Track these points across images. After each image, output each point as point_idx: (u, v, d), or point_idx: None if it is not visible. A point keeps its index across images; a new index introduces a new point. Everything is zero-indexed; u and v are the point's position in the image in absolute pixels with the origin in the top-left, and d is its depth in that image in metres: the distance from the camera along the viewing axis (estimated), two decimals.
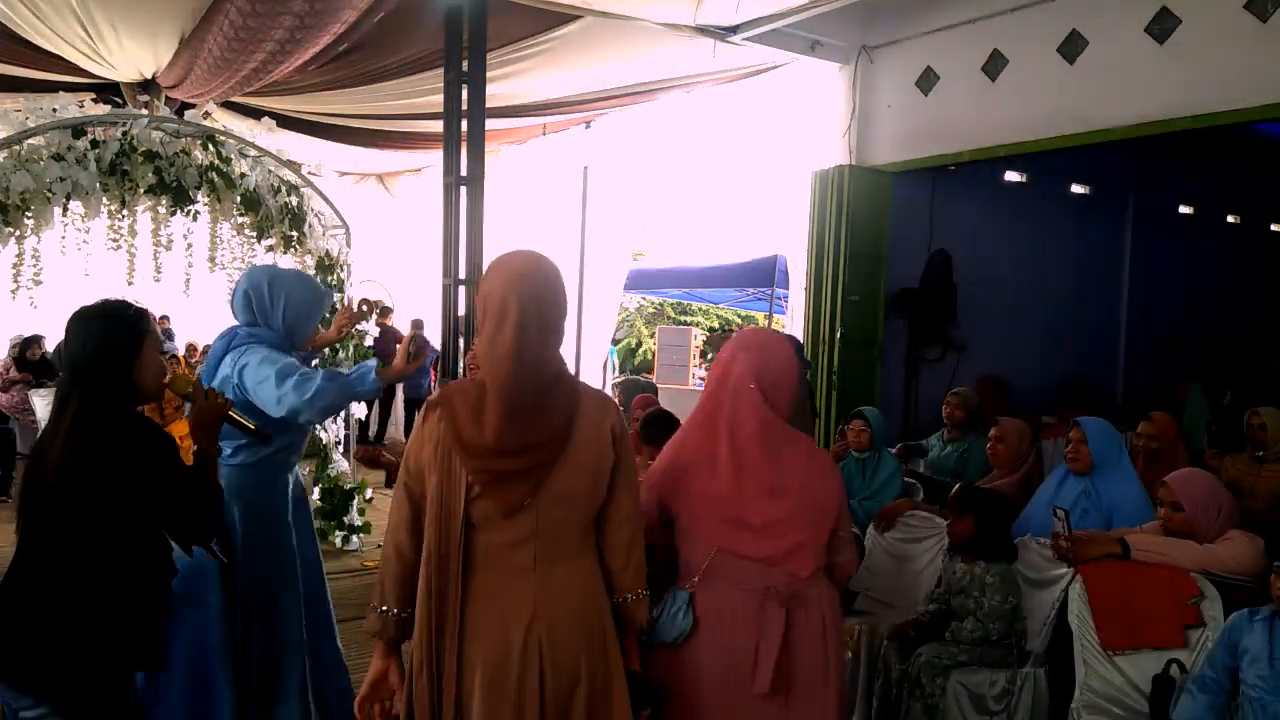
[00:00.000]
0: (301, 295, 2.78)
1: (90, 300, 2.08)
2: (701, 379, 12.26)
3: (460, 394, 1.83)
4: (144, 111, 5.13)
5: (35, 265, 4.61)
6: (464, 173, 5.25)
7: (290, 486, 2.92)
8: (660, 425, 3.51)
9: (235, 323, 2.84)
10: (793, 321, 7.25)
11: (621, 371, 14.53)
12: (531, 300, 1.77)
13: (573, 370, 3.38)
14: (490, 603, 1.79)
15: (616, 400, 6.03)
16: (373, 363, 2.70)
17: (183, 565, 2.16)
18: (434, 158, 9.05)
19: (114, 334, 2.02)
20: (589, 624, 1.84)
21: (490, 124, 5.87)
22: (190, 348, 10.53)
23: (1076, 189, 7.50)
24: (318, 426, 5.41)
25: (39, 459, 2.00)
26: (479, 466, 1.76)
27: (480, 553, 1.79)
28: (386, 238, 10.64)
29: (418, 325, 10.22)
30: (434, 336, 6.92)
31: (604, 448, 1.85)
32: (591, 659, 1.83)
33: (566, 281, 1.89)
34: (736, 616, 2.07)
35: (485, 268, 1.89)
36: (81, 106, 4.77)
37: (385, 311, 10.13)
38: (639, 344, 18.49)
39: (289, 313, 2.74)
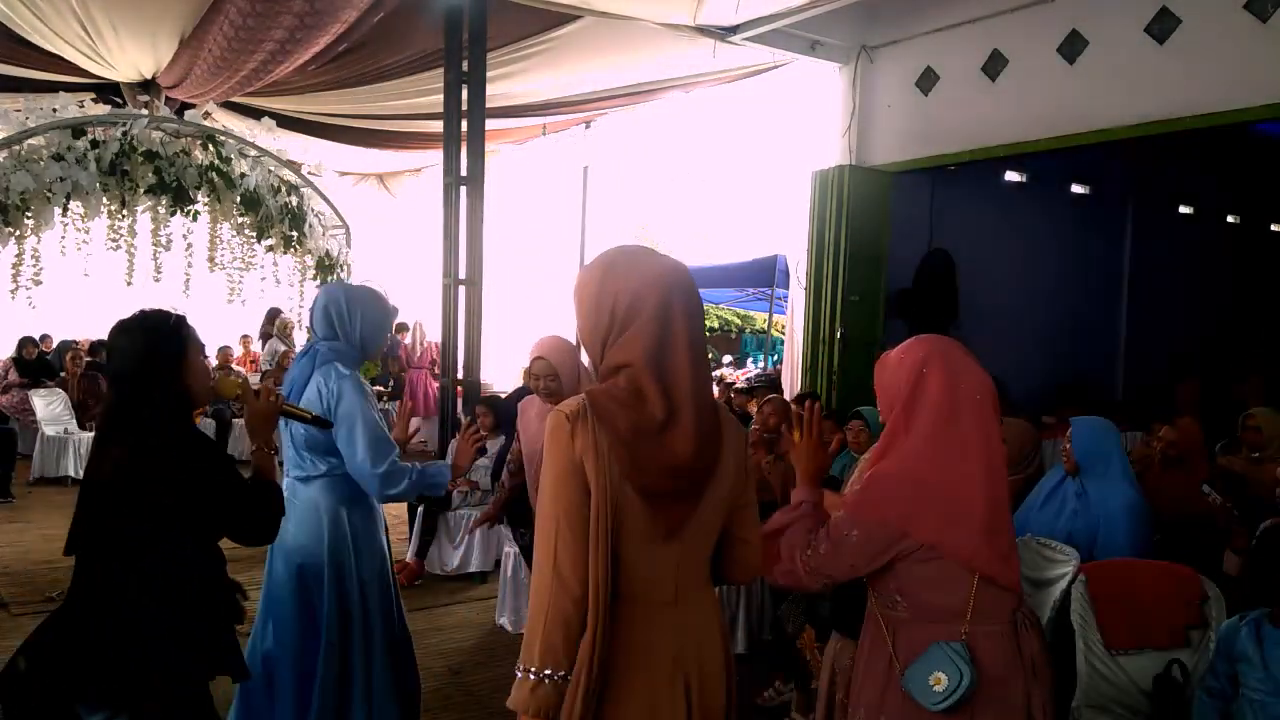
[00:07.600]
0: (375, 311, 2.96)
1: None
2: None
3: (615, 403, 1.60)
4: (144, 111, 5.13)
5: (35, 265, 4.61)
6: (464, 173, 5.26)
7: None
8: None
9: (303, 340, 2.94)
10: (793, 321, 7.23)
11: None
12: (693, 304, 1.65)
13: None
14: (632, 644, 1.62)
15: None
16: (447, 470, 2.85)
17: None
18: (434, 158, 9.05)
19: (158, 344, 2.03)
20: (728, 659, 1.73)
21: (490, 124, 5.88)
22: None
23: (1076, 189, 7.50)
24: None
25: (92, 474, 2.02)
26: (653, 485, 1.58)
27: (624, 587, 1.62)
28: (386, 238, 10.64)
29: (405, 328, 10.24)
30: (434, 336, 6.88)
31: (741, 473, 1.71)
32: (730, 696, 1.72)
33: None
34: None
35: (609, 264, 1.65)
36: (81, 106, 4.77)
37: None
38: None
39: (365, 327, 2.90)
